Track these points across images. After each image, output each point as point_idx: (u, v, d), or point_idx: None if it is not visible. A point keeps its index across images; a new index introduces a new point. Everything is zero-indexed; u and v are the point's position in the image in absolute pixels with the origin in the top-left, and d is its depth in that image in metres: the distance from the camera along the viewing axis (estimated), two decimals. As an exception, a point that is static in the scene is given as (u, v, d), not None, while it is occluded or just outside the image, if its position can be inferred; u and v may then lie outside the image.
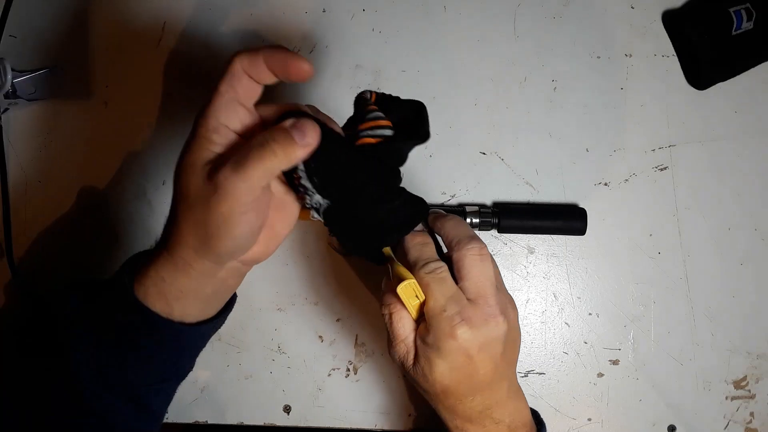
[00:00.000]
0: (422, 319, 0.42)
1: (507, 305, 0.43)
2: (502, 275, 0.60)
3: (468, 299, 0.41)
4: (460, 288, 0.42)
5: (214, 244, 0.37)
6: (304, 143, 0.35)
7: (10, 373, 0.44)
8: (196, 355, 0.46)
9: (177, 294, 0.40)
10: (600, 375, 0.60)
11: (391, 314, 0.43)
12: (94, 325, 0.41)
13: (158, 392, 0.44)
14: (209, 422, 0.60)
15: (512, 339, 0.43)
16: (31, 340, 0.45)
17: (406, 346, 0.43)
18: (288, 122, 0.36)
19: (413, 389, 0.60)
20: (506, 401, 0.44)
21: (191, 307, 0.41)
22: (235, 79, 0.36)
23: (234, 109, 0.37)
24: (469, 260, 0.42)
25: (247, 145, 0.35)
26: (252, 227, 0.38)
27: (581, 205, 0.60)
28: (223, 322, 0.45)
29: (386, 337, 0.44)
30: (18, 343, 0.46)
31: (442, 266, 0.42)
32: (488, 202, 0.61)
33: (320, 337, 0.61)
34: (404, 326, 0.43)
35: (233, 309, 0.46)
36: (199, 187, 0.37)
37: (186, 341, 0.43)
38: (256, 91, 0.37)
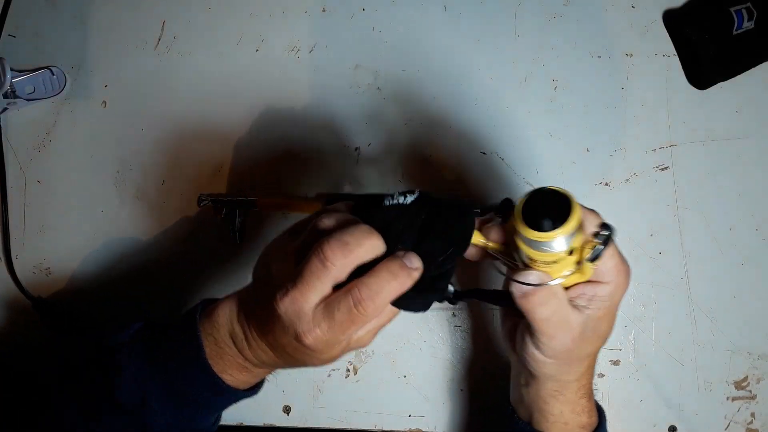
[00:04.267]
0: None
1: None
2: (502, 276, 0.60)
3: None
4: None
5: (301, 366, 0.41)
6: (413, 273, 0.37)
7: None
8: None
9: (234, 374, 0.43)
10: (601, 375, 0.60)
11: (545, 307, 0.39)
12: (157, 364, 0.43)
13: None
14: (209, 423, 0.60)
15: None
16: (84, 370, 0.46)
17: (576, 317, 0.40)
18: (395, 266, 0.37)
19: (413, 389, 0.60)
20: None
21: (242, 384, 0.44)
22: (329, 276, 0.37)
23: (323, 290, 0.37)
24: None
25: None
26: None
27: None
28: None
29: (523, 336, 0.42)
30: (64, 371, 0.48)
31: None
32: (488, 202, 0.61)
33: (320, 337, 0.60)
34: (564, 306, 0.40)
35: None
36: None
37: (227, 403, 0.45)
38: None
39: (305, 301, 0.36)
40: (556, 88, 0.61)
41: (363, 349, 0.60)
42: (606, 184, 0.61)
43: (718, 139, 0.61)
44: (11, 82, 0.59)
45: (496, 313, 0.60)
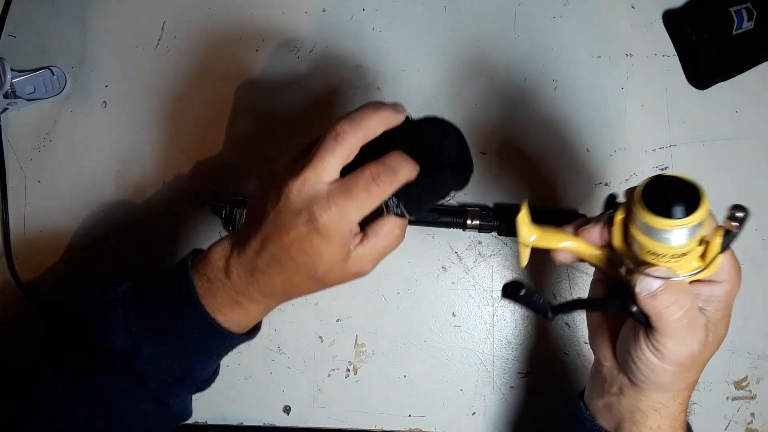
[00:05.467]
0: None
1: None
2: (503, 276, 0.60)
3: None
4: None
5: (303, 294, 0.42)
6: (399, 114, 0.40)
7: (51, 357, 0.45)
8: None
9: (228, 313, 0.42)
10: (600, 375, 0.60)
11: (675, 306, 0.36)
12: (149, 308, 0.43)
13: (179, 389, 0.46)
14: (209, 422, 0.60)
15: None
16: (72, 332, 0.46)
17: (702, 321, 0.38)
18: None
19: (413, 389, 0.60)
20: None
21: (235, 324, 0.43)
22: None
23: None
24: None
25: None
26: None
27: (581, 209, 0.60)
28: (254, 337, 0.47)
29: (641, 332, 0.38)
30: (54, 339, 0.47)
31: None
32: (488, 202, 0.61)
33: (320, 337, 0.60)
34: (694, 308, 0.37)
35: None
36: (341, 255, 0.39)
37: (222, 346, 0.45)
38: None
39: (319, 178, 0.38)
40: (556, 88, 0.61)
41: (363, 349, 0.60)
42: (606, 184, 0.61)
43: (718, 139, 0.61)
44: (11, 83, 0.59)
45: (495, 312, 0.60)
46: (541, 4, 0.62)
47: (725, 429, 0.59)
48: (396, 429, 0.60)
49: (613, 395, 0.42)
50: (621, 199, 0.38)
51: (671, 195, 0.33)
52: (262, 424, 0.60)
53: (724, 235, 0.34)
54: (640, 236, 0.34)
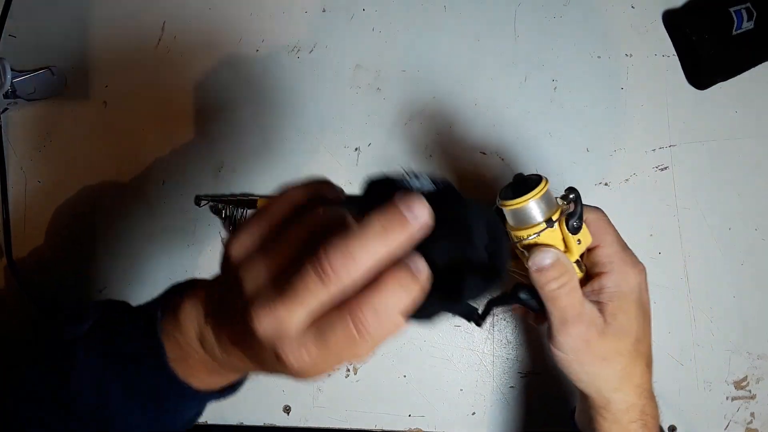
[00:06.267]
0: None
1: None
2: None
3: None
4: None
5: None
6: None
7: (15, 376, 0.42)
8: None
9: (204, 378, 0.37)
10: (600, 375, 0.60)
11: (563, 285, 0.40)
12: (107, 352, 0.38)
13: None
14: (209, 422, 0.60)
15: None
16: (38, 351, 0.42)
17: (591, 308, 0.41)
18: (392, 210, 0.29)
19: (413, 389, 0.60)
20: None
21: (215, 384, 0.38)
22: None
23: None
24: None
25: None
26: None
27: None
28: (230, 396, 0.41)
29: (545, 328, 0.42)
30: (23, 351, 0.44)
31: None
32: (488, 202, 0.60)
33: (320, 337, 0.60)
34: (579, 291, 0.41)
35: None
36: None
37: (199, 406, 0.40)
38: None
39: (291, 320, 0.29)
40: (556, 88, 0.61)
41: (363, 349, 0.60)
42: (606, 184, 0.61)
43: (717, 139, 0.61)
44: (12, 83, 0.59)
45: (495, 312, 0.60)
46: (541, 4, 0.62)
47: (725, 429, 0.59)
48: (396, 429, 0.60)
49: (578, 405, 0.46)
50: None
51: (517, 185, 0.40)
52: (262, 424, 0.60)
53: (566, 214, 0.40)
54: (509, 228, 0.41)
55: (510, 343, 0.60)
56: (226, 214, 0.59)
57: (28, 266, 0.61)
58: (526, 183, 0.40)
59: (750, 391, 0.59)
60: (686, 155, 0.60)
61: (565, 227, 0.40)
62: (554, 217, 0.39)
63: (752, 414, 0.59)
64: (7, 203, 0.61)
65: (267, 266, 0.30)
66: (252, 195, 0.60)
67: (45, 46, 0.62)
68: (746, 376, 0.59)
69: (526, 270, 0.41)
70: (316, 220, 0.31)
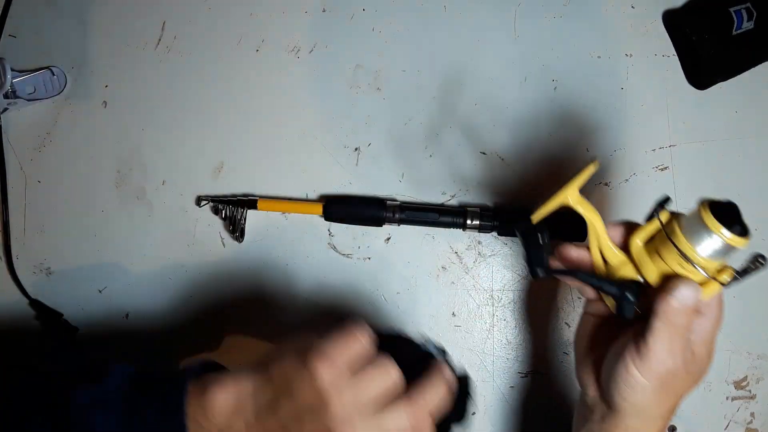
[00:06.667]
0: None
1: None
2: (503, 276, 0.60)
3: None
4: None
5: None
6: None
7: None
8: None
9: None
10: (600, 375, 0.60)
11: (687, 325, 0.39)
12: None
13: None
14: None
15: None
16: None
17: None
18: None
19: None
20: None
21: None
22: None
23: None
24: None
25: None
26: None
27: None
28: None
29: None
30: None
31: None
32: (488, 202, 0.61)
33: (320, 337, 0.60)
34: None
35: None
36: None
37: None
38: None
39: None
40: (556, 88, 0.61)
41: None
42: (606, 184, 0.61)
43: (717, 139, 0.61)
44: (12, 83, 0.59)
45: (495, 312, 0.60)
46: (541, 4, 0.62)
47: (725, 429, 0.59)
48: (396, 429, 0.60)
49: (595, 422, 0.44)
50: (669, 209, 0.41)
51: (734, 214, 0.37)
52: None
53: (736, 272, 0.38)
54: (682, 240, 0.38)
55: (510, 343, 0.60)
56: (226, 214, 0.59)
57: (28, 267, 0.61)
58: (736, 214, 0.38)
59: (750, 391, 0.59)
60: (686, 155, 0.61)
61: (722, 281, 0.38)
62: (727, 275, 0.38)
63: (752, 414, 0.59)
64: (7, 203, 0.61)
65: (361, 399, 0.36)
66: (252, 195, 0.60)
67: (45, 46, 0.62)
68: (746, 376, 0.59)
69: (643, 266, 0.40)
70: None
